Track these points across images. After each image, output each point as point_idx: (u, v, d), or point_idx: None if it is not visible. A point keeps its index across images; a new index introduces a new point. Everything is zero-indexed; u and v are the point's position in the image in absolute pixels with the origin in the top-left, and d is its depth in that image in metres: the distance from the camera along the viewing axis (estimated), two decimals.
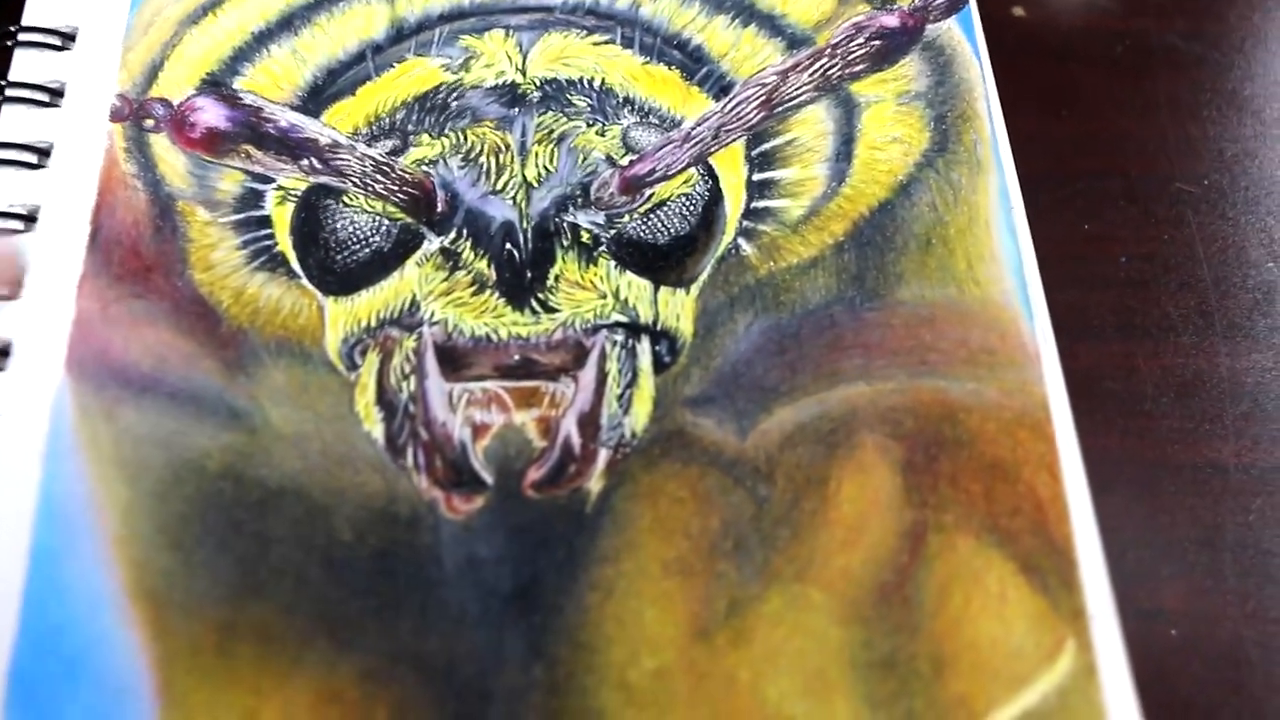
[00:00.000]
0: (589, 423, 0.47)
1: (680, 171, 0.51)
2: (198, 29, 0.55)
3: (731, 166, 0.52)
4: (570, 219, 0.50)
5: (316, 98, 0.53)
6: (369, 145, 0.52)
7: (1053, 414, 0.47)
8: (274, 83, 0.54)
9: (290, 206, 0.51)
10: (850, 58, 0.54)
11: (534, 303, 0.49)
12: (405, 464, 0.46)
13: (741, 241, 0.51)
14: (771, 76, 0.54)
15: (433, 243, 0.50)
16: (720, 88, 0.54)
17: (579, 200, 0.51)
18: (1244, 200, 0.55)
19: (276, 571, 0.44)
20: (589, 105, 0.53)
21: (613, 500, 0.45)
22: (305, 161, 0.51)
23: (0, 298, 0.47)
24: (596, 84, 0.54)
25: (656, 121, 0.53)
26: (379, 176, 0.51)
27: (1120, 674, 0.42)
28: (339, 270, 0.50)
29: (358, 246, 0.50)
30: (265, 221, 0.51)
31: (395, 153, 0.52)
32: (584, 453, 0.46)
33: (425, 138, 0.52)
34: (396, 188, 0.51)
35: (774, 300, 0.49)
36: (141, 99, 0.53)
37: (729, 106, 0.53)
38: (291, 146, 0.52)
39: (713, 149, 0.52)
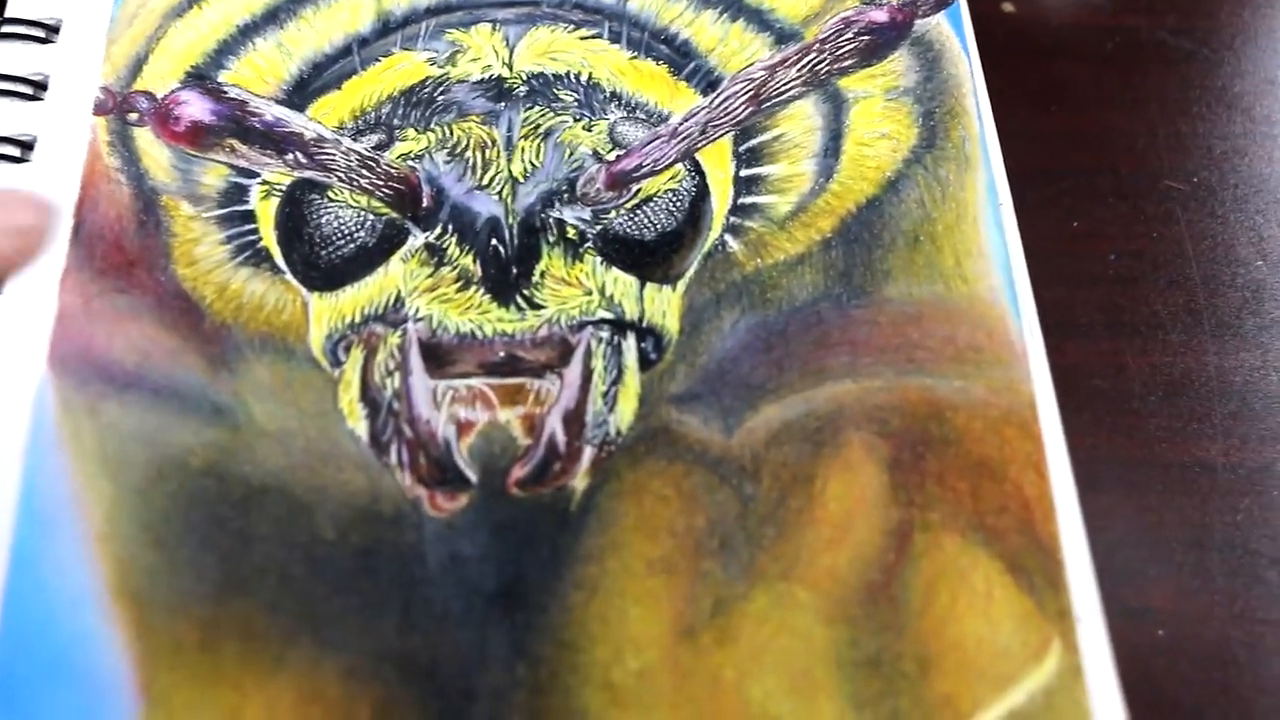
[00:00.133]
0: (574, 420, 0.47)
1: (667, 167, 0.51)
2: (182, 22, 0.55)
3: (719, 162, 0.52)
4: (556, 214, 0.50)
5: (302, 92, 0.53)
6: (354, 140, 0.52)
7: (1040, 412, 0.47)
8: (259, 76, 0.53)
9: (275, 201, 0.51)
10: (839, 53, 0.54)
11: (519, 299, 0.49)
12: (389, 461, 0.46)
13: (728, 238, 0.50)
14: (759, 71, 0.53)
15: (418, 238, 0.50)
16: (708, 83, 0.54)
17: (565, 196, 0.51)
18: (1233, 198, 0.55)
19: (259, 569, 0.44)
20: (576, 100, 0.53)
21: (597, 498, 0.45)
22: (290, 156, 0.51)
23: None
24: (583, 79, 0.54)
25: (644, 116, 0.53)
26: (364, 171, 0.51)
27: (1106, 674, 0.42)
28: (323, 266, 0.49)
29: (342, 242, 0.50)
30: (249, 216, 0.50)
31: (381, 147, 0.51)
32: (569, 450, 0.46)
33: (411, 132, 0.52)
34: (382, 183, 0.50)
35: (761, 297, 0.49)
36: (125, 92, 0.53)
37: (717, 102, 0.53)
38: (276, 141, 0.51)
39: (700, 144, 0.52)
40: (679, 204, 0.51)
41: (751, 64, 0.54)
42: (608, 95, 0.53)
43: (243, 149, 0.51)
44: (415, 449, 0.46)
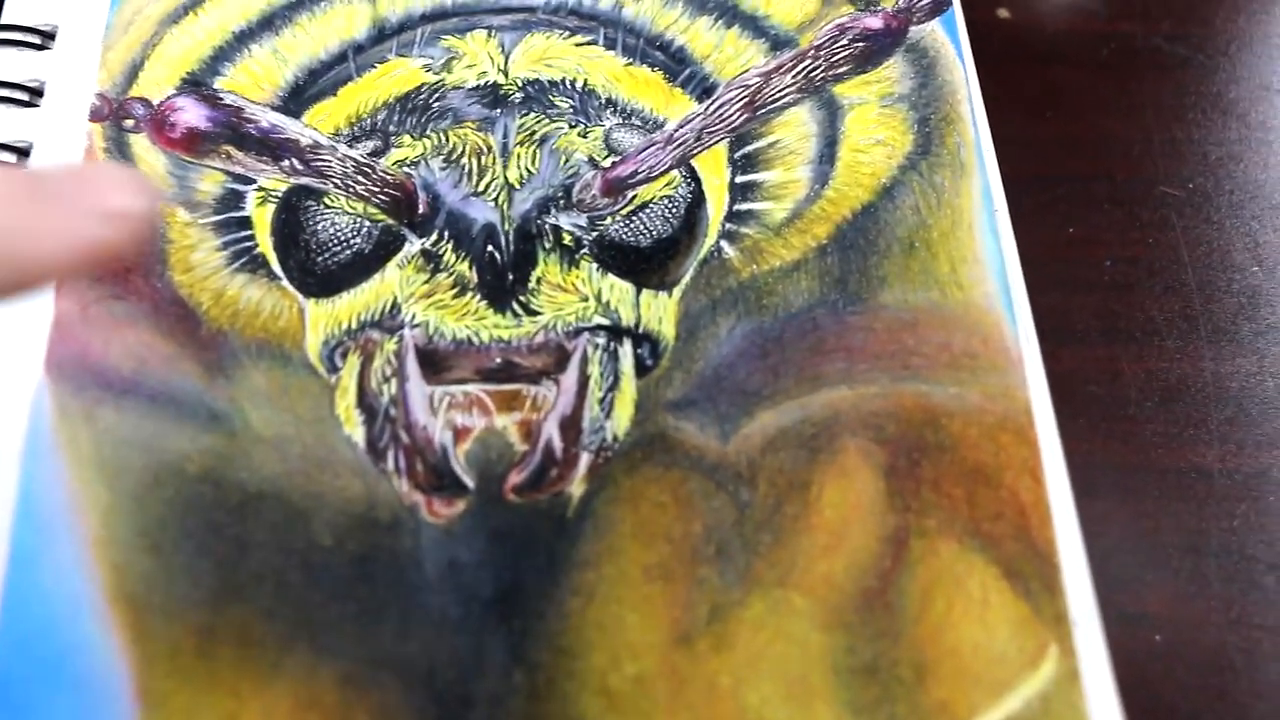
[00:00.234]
0: (571, 426, 0.47)
1: (663, 174, 0.51)
2: (178, 28, 0.55)
3: (714, 169, 0.52)
4: (552, 221, 0.50)
5: (298, 98, 0.53)
6: (350, 146, 0.52)
7: (1035, 418, 0.47)
8: (255, 83, 0.53)
9: (271, 208, 0.51)
10: (834, 59, 0.54)
11: (515, 305, 0.49)
12: (386, 467, 0.46)
13: (724, 244, 0.50)
14: (755, 78, 0.53)
15: (414, 244, 0.50)
16: (703, 89, 0.54)
17: (561, 202, 0.51)
18: (1229, 204, 0.55)
19: (256, 575, 0.44)
20: (571, 106, 0.53)
21: (594, 504, 0.45)
22: (286, 162, 0.51)
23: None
24: (579, 85, 0.54)
25: (639, 123, 0.53)
26: (360, 178, 0.51)
27: (1103, 680, 0.42)
28: (320, 272, 0.49)
29: (339, 248, 0.50)
30: (246, 223, 0.50)
31: (377, 154, 0.52)
32: (565, 456, 0.46)
33: (407, 139, 0.52)
34: (378, 189, 0.50)
35: (756, 303, 0.49)
36: (121, 99, 0.53)
37: (712, 108, 0.53)
38: (272, 147, 0.51)
39: (695, 151, 0.52)
40: (674, 210, 0.51)
41: (746, 70, 0.54)
42: (603, 102, 0.53)
43: (239, 155, 0.51)
44: (412, 455, 0.46)
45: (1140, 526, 0.48)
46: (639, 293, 0.49)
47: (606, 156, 0.52)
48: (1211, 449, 0.49)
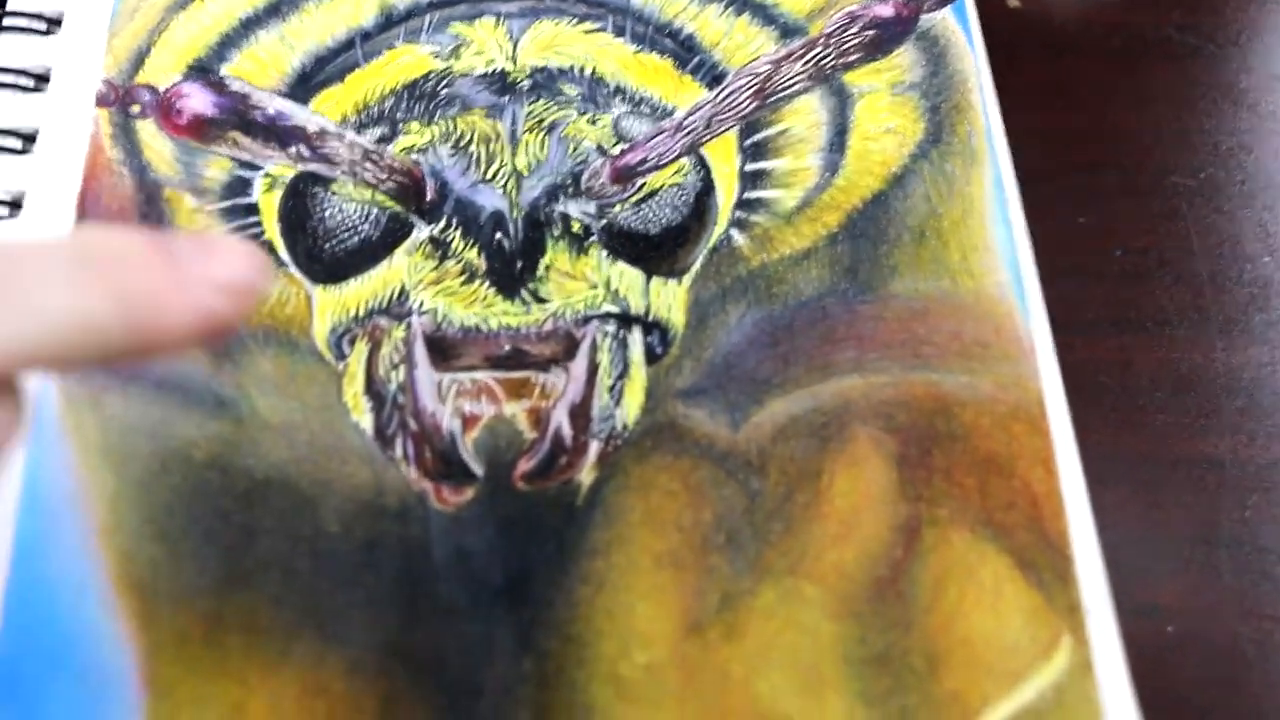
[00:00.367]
0: (580, 414, 0.46)
1: (672, 161, 0.51)
2: (184, 15, 0.54)
3: (724, 157, 0.52)
4: (561, 208, 0.50)
5: (304, 85, 0.53)
6: (358, 133, 0.51)
7: (1048, 408, 0.46)
8: (261, 69, 0.53)
9: (278, 194, 0.50)
10: (844, 47, 0.54)
11: (524, 293, 0.48)
12: (394, 455, 0.46)
13: (734, 232, 0.50)
14: (765, 66, 0.53)
15: (422, 231, 0.49)
16: (713, 77, 0.53)
17: (570, 189, 0.50)
18: (1240, 194, 0.54)
19: (263, 563, 0.43)
20: (580, 94, 0.53)
21: (604, 493, 0.45)
22: (293, 149, 0.51)
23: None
24: (587, 72, 0.53)
25: (648, 111, 0.52)
26: (368, 164, 0.50)
27: (1117, 670, 0.42)
28: (327, 259, 0.49)
29: (346, 235, 0.49)
30: (253, 209, 0.50)
31: (384, 141, 0.51)
32: (575, 444, 0.46)
33: (414, 125, 0.52)
34: (385, 175, 0.50)
35: (766, 292, 0.49)
36: (127, 85, 0.53)
37: (721, 96, 0.52)
38: (279, 134, 0.51)
39: (705, 139, 0.52)
40: (684, 198, 0.50)
41: (756, 58, 0.54)
42: (612, 89, 0.53)
43: (246, 142, 0.51)
44: (420, 442, 0.46)
45: (1152, 517, 0.48)
46: (648, 280, 0.49)
47: (615, 144, 0.51)
48: (1223, 440, 0.49)
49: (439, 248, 0.49)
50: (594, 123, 0.52)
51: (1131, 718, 0.41)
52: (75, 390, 0.46)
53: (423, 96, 0.52)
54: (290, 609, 0.43)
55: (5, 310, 0.28)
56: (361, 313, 0.48)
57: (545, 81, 0.53)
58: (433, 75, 0.53)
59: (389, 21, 0.54)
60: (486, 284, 0.48)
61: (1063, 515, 0.44)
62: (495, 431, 0.46)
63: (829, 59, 0.54)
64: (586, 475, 0.45)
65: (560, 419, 0.46)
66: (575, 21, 0.55)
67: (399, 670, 0.42)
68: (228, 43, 0.54)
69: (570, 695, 0.42)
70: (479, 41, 0.54)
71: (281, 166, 0.51)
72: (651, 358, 0.48)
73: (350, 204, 0.50)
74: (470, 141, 0.51)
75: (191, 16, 0.54)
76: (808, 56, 0.53)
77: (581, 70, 0.53)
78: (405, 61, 0.53)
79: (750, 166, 0.52)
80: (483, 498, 0.45)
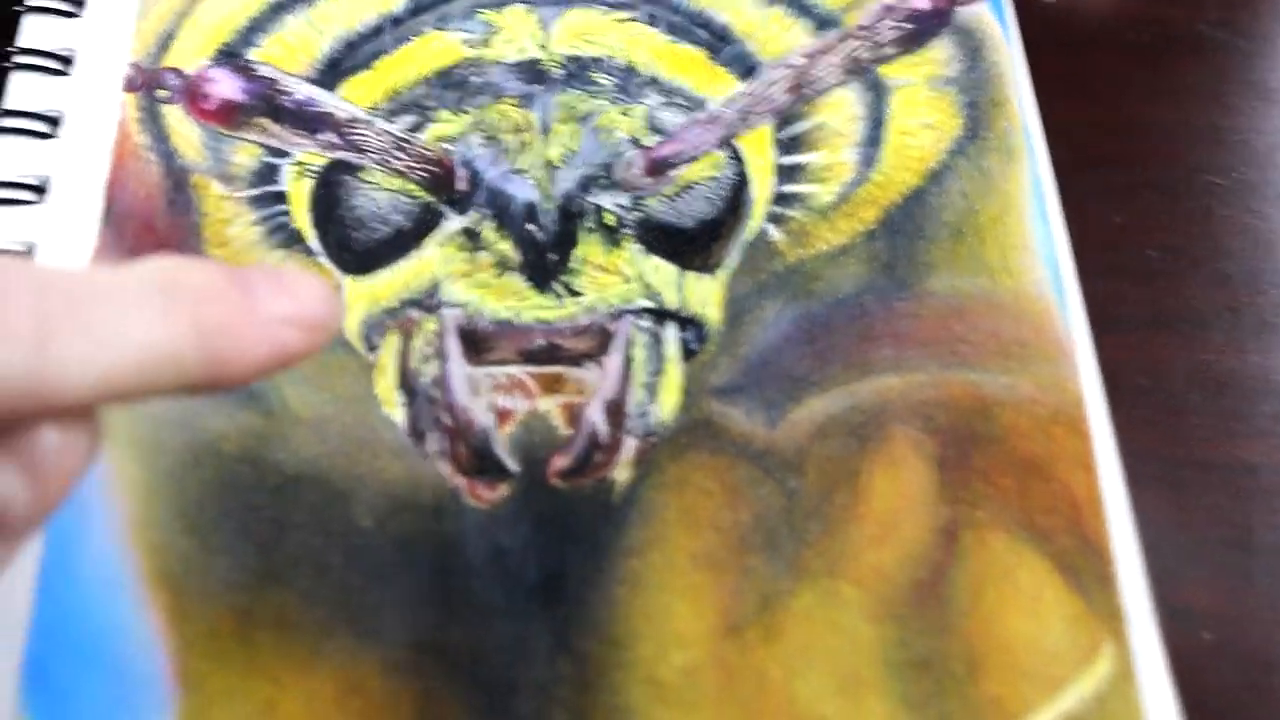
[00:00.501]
0: (615, 410, 0.46)
1: (706, 154, 0.50)
2: None
3: (759, 150, 0.51)
4: (594, 200, 0.49)
5: (334, 71, 0.52)
6: (387, 120, 0.51)
7: (1088, 411, 0.46)
8: (290, 54, 0.52)
9: (307, 182, 0.50)
10: (879, 40, 0.53)
11: (557, 285, 0.48)
12: (427, 450, 0.45)
13: (770, 227, 0.50)
14: (800, 58, 0.53)
15: (453, 222, 0.49)
16: (746, 68, 0.53)
17: (603, 181, 0.50)
18: (1274, 194, 0.54)
19: (295, 558, 0.43)
20: (613, 84, 0.52)
21: (640, 491, 0.45)
22: (323, 136, 0.50)
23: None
24: (620, 62, 0.53)
25: (681, 101, 0.52)
26: (398, 153, 0.50)
27: (1159, 677, 0.42)
28: (358, 249, 0.49)
29: (377, 224, 0.49)
30: (281, 197, 0.50)
31: (415, 129, 0.51)
32: (610, 441, 0.45)
33: (445, 114, 0.51)
34: (416, 165, 0.50)
35: (803, 288, 0.48)
36: (154, 69, 0.52)
37: (756, 88, 0.52)
38: (308, 120, 0.51)
39: (739, 131, 0.51)
40: (719, 191, 0.50)
41: (791, 50, 0.53)
42: (645, 80, 0.52)
43: (274, 128, 0.51)
44: (454, 437, 0.45)
45: (1186, 521, 0.47)
46: (683, 275, 0.48)
47: (649, 135, 0.51)
48: (1257, 443, 0.49)
49: (471, 239, 0.49)
50: (627, 114, 0.51)
51: None
52: None
53: (454, 84, 0.52)
54: (323, 605, 0.42)
55: (86, 340, 0.27)
56: (393, 304, 0.48)
57: (578, 71, 0.53)
58: (464, 63, 0.52)
59: (419, 7, 0.54)
60: (520, 277, 0.48)
61: (1103, 519, 0.44)
62: (530, 427, 0.46)
63: (865, 52, 0.53)
64: (622, 473, 0.45)
65: (595, 415, 0.46)
66: (607, 10, 0.54)
67: (434, 669, 0.41)
68: (256, 27, 0.53)
69: (608, 697, 0.41)
70: (509, 29, 0.53)
71: (310, 154, 0.50)
72: (687, 354, 0.47)
73: (381, 193, 0.49)
74: (502, 131, 0.51)
75: (219, 0, 0.54)
76: (843, 49, 0.53)
77: (614, 60, 0.53)
78: (435, 48, 0.53)
79: (786, 160, 0.51)
80: (517, 495, 0.45)
